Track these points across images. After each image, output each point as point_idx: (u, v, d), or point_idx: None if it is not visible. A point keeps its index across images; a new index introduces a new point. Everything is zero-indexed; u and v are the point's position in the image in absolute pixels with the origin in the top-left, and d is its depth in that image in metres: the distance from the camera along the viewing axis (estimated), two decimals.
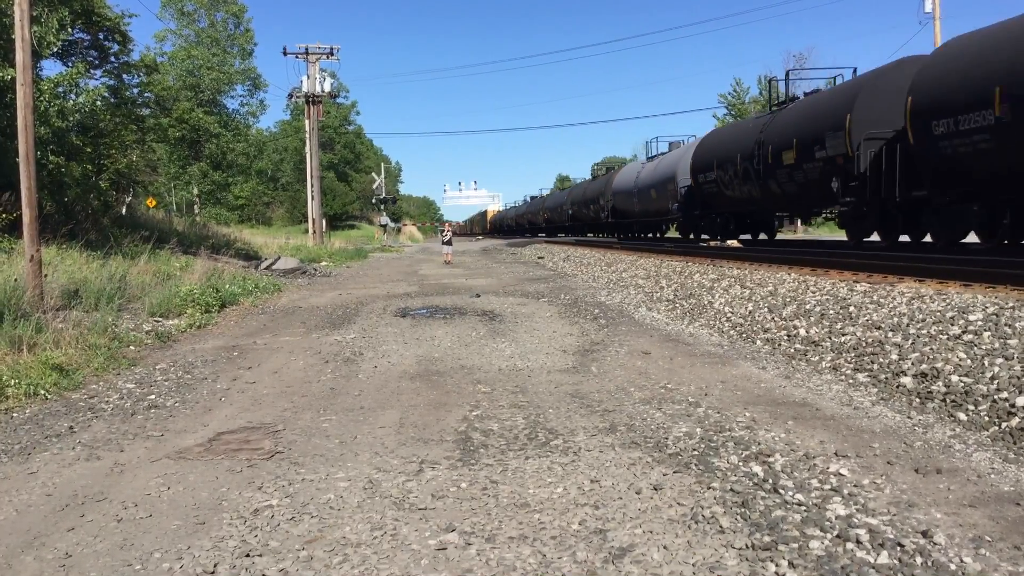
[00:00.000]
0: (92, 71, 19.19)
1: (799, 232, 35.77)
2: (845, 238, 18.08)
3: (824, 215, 20.16)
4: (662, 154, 30.34)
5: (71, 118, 15.86)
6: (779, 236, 24.51)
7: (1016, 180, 11.16)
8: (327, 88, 38.42)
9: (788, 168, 17.59)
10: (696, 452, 4.26)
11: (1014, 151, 10.71)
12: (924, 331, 6.30)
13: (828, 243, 20.72)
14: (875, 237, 16.10)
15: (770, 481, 3.74)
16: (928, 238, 14.51)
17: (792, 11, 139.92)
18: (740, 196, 20.98)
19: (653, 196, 28.80)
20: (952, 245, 13.28)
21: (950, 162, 12.20)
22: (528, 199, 63.63)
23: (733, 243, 21.30)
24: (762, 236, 23.82)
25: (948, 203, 12.97)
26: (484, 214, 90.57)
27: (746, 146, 19.96)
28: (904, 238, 15.38)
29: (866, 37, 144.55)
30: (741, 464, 4.01)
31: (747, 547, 3.01)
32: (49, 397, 6.07)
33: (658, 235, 31.21)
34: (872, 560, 2.87)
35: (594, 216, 36.18)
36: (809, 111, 17.43)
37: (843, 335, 7.05)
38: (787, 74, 20.93)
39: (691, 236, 26.08)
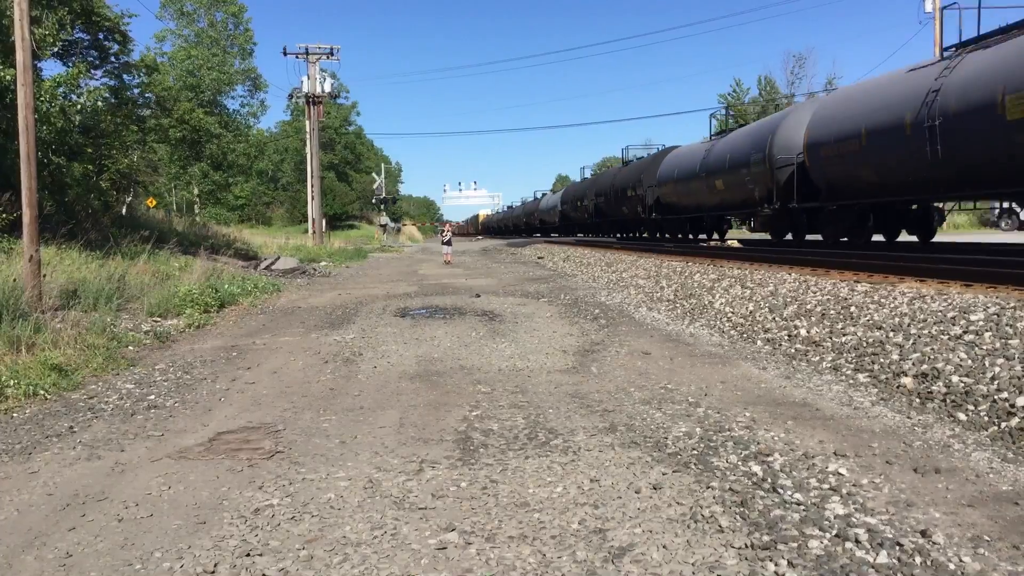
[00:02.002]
0: (92, 71, 19.21)
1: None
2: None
3: None
4: (548, 193, 57.26)
5: (72, 118, 15.86)
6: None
7: None
8: (327, 88, 38.44)
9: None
10: (695, 452, 4.26)
11: None
12: (925, 331, 6.31)
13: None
14: None
15: (769, 480, 3.75)
16: None
17: (792, 11, 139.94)
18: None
19: (551, 214, 49.88)
20: None
21: None
22: (507, 208, 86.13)
23: (733, 243, 21.27)
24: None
25: None
26: (476, 217, 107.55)
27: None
28: None
29: (866, 37, 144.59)
30: (740, 464, 4.02)
31: (746, 546, 3.02)
32: (48, 397, 6.08)
33: (556, 234, 48.00)
34: (871, 560, 2.87)
35: (533, 224, 57.97)
36: None
37: (844, 335, 7.05)
38: None
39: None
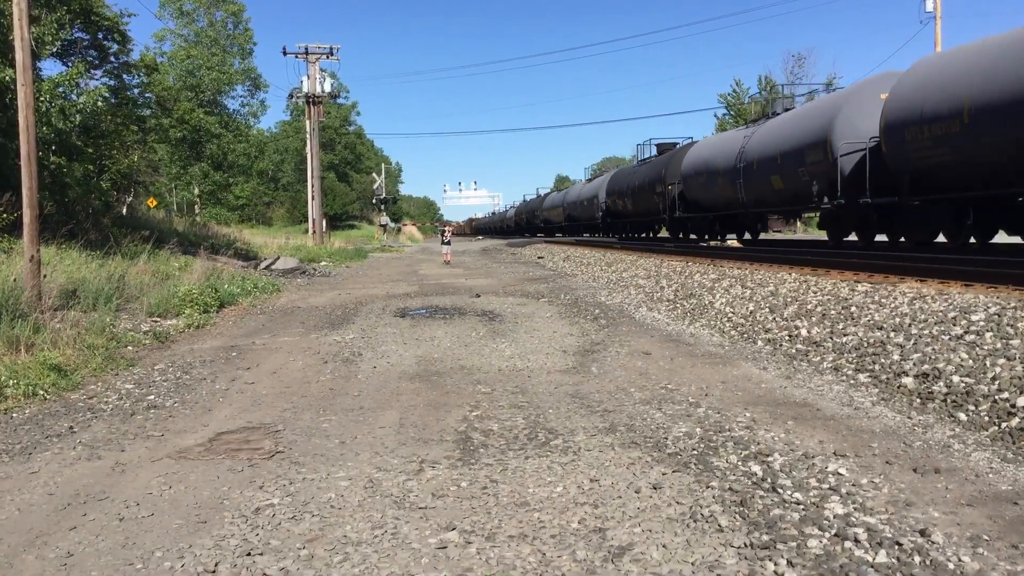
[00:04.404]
0: (92, 71, 19.20)
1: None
2: None
3: None
4: (510, 207, 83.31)
5: (72, 118, 15.85)
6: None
7: None
8: (327, 88, 38.44)
9: None
10: (695, 452, 4.27)
11: None
12: (926, 331, 6.31)
13: None
14: None
15: (769, 480, 3.75)
16: None
17: (792, 11, 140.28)
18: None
19: (510, 221, 74.75)
20: None
21: None
22: (491, 213, 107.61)
23: (733, 243, 21.26)
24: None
25: None
26: (471, 220, 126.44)
27: None
28: None
29: (866, 37, 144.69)
30: (740, 464, 4.02)
31: (746, 546, 3.02)
32: (48, 397, 6.08)
33: (517, 235, 62.97)
34: (870, 559, 2.88)
35: (502, 227, 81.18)
36: None
37: (845, 335, 7.05)
38: None
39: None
